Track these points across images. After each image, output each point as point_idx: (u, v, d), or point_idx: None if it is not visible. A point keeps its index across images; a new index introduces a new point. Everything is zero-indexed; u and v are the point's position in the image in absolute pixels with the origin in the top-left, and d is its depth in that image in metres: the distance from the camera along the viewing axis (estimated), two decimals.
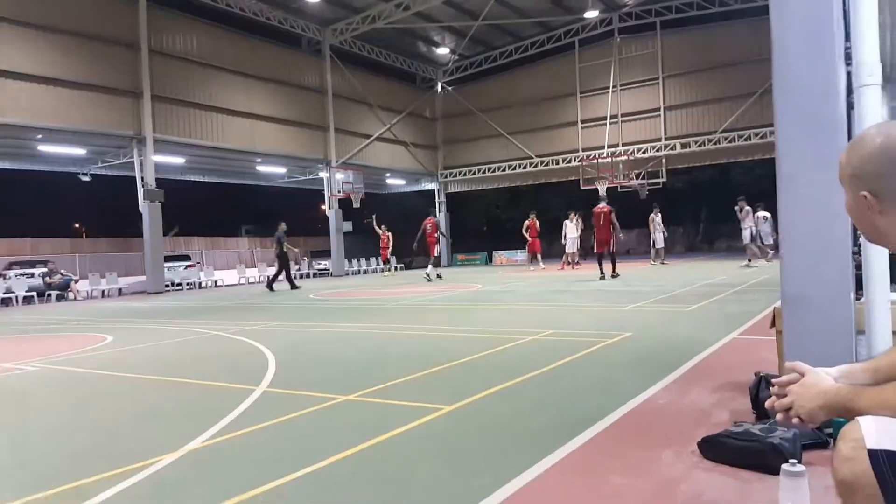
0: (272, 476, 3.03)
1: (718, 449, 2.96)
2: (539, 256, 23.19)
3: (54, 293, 20.43)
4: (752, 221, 18.76)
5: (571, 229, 22.44)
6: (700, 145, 27.33)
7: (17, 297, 19.46)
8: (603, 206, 16.59)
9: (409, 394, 4.66)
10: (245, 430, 3.91)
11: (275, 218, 49.47)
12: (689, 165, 29.00)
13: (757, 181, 30.41)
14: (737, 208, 18.96)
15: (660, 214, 22.47)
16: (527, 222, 23.06)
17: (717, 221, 20.54)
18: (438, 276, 20.38)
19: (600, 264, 16.06)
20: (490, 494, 2.67)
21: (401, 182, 36.44)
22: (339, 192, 27.55)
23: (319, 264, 31.38)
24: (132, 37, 20.92)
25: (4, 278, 21.03)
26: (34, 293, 20.15)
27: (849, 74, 3.30)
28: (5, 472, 3.42)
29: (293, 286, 19.64)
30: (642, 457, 3.06)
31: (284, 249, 19.61)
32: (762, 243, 19.05)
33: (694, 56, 27.25)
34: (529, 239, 23.10)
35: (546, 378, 4.95)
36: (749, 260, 18.56)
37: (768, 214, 18.52)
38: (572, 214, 22.72)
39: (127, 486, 3.01)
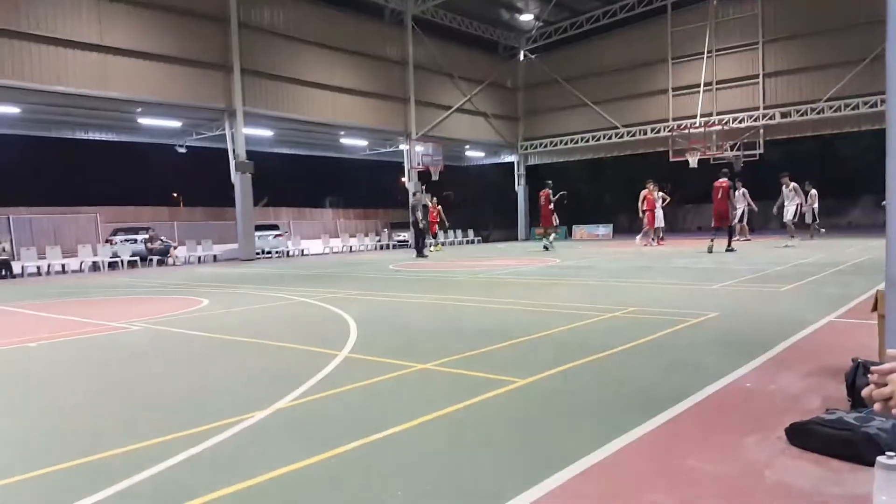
0: (352, 437, 3.14)
1: (808, 436, 2.83)
2: (652, 231, 21.75)
3: (155, 258, 21.76)
4: (801, 198, 17.96)
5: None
6: (802, 115, 25.66)
7: (122, 261, 20.88)
8: (723, 180, 16.37)
9: (483, 365, 4.69)
10: (329, 392, 4.07)
11: (358, 190, 50.39)
12: (789, 136, 27.30)
13: (863, 153, 28.36)
14: (792, 185, 17.91)
15: (741, 188, 20.73)
16: (643, 193, 21.45)
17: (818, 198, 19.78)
18: (546, 247, 21.22)
19: (729, 237, 16.46)
20: (562, 469, 2.66)
21: (480, 154, 36.32)
22: (418, 164, 27.76)
23: (399, 236, 31.89)
24: (222, 11, 21.66)
25: (111, 244, 22.56)
26: (137, 258, 21.55)
27: None
28: (117, 423, 3.72)
29: (420, 254, 20.53)
30: (724, 441, 2.97)
31: (421, 217, 20.59)
32: (814, 221, 18.46)
33: (797, 19, 25.43)
34: (646, 211, 21.37)
35: (624, 356, 4.86)
36: (792, 237, 17.75)
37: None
38: (651, 186, 21.74)
39: (222, 439, 3.21)
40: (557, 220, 22.20)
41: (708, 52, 27.54)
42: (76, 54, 18.40)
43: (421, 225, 20.83)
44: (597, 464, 2.75)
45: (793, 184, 17.88)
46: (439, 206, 24.77)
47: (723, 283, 9.54)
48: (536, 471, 2.67)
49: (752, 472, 2.60)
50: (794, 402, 3.49)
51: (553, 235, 22.17)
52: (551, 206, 21.31)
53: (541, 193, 21.63)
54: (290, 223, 35.25)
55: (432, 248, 23.68)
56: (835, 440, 2.74)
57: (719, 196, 16.25)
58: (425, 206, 20.90)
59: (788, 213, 17.90)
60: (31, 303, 10.65)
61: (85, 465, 2.94)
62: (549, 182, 22.04)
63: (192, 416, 3.65)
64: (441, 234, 29.70)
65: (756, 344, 5.00)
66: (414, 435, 3.23)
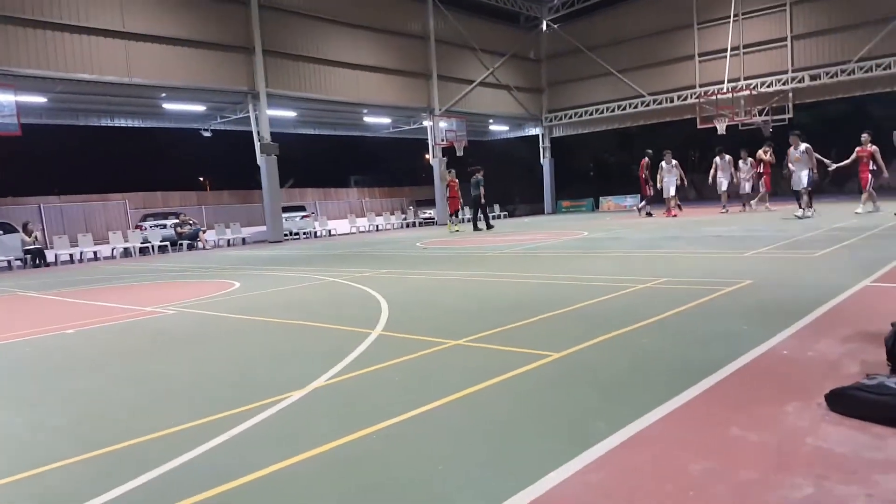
0: (389, 414, 3.19)
1: (848, 402, 2.80)
2: (767, 196, 20.91)
3: (185, 243, 22.10)
4: (814, 163, 15.85)
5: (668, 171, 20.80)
6: (832, 77, 24.99)
7: (153, 246, 21.25)
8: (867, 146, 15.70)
9: (516, 340, 4.71)
10: (363, 370, 4.12)
11: (382, 168, 50.50)
12: (819, 99, 26.63)
13: None
14: (804, 147, 15.61)
15: (727, 157, 20.79)
16: (761, 153, 20.05)
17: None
18: (648, 214, 22.01)
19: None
20: (603, 440, 2.68)
21: (504, 128, 36.05)
22: (442, 140, 27.67)
23: (424, 213, 31.95)
24: None
25: (141, 230, 22.97)
26: (168, 243, 21.90)
27: None
28: (153, 406, 3.82)
29: (477, 227, 21.21)
30: (764, 409, 2.95)
31: (481, 193, 21.05)
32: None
33: None
34: (762, 174, 20.33)
35: (659, 327, 4.84)
36: (808, 206, 15.93)
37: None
38: (667, 154, 20.86)
39: (260, 420, 3.28)
40: (651, 192, 21.76)
41: (734, 16, 26.87)
42: (99, 41, 18.61)
43: (482, 201, 21.28)
44: (637, 434, 2.75)
45: (804, 145, 15.59)
46: (457, 181, 22.95)
47: (755, 250, 9.41)
48: (576, 443, 2.69)
49: (793, 440, 2.59)
50: (832, 369, 3.45)
51: (643, 202, 22.54)
52: (645, 175, 21.32)
53: (642, 162, 21.54)
54: (316, 204, 35.44)
55: (453, 230, 21.83)
56: (876, 405, 2.71)
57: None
58: (477, 182, 21.11)
59: (802, 181, 15.61)
60: (66, 290, 10.92)
61: (123, 451, 3.02)
62: (649, 151, 21.75)
63: (229, 399, 3.73)
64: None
65: (791, 311, 4.94)
66: (450, 410, 3.26)
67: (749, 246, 10.00)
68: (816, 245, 9.49)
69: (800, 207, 15.84)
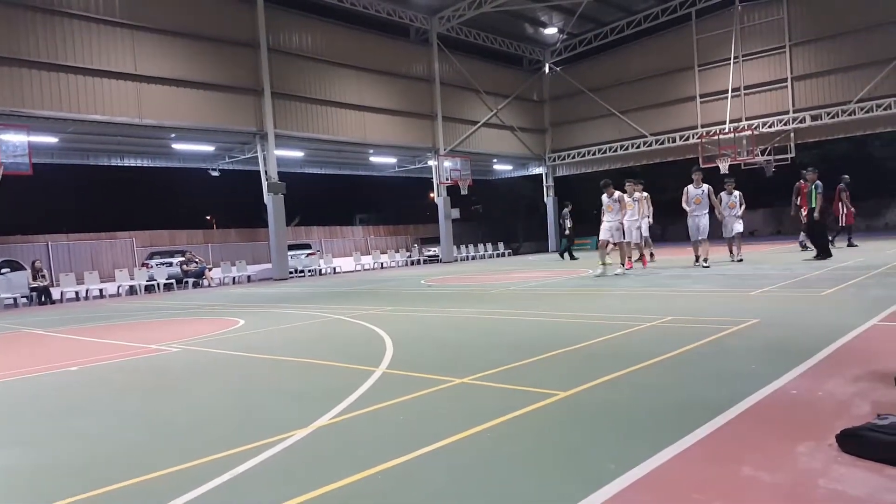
0: (394, 454, 3.15)
1: (860, 443, 2.75)
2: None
3: (191, 280, 22.13)
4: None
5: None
6: (833, 117, 25.27)
7: (158, 284, 21.27)
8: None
9: (522, 378, 4.66)
10: (368, 408, 4.08)
11: (387, 206, 50.86)
12: (821, 139, 26.88)
13: None
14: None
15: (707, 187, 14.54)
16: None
17: (854, 199, 18.76)
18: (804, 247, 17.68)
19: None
20: (613, 480, 2.63)
21: (508, 167, 36.39)
22: (446, 179, 27.91)
23: (429, 251, 32.02)
24: (252, 36, 22.19)
25: (148, 267, 23.04)
26: (173, 280, 21.92)
27: None
28: (157, 444, 3.78)
29: (569, 257, 22.36)
30: (775, 448, 2.90)
31: (566, 225, 22.13)
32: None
33: (825, 21, 25.26)
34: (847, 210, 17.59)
35: (667, 365, 4.79)
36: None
37: None
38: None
39: (264, 459, 3.24)
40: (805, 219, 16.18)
41: (734, 58, 27.35)
42: (111, 84, 18.99)
43: (567, 232, 22.30)
44: (648, 474, 2.71)
45: (639, 193, 14.83)
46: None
47: (761, 288, 9.37)
48: (584, 484, 2.64)
49: (806, 481, 2.54)
50: (843, 409, 3.41)
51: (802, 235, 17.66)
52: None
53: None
54: (321, 242, 35.60)
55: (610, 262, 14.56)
56: (889, 446, 2.66)
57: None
58: (571, 212, 22.08)
59: (632, 232, 14.81)
60: (71, 328, 10.92)
61: (127, 489, 2.98)
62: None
63: (232, 437, 3.69)
64: (481, 246, 29.74)
65: (799, 350, 4.89)
66: (456, 450, 3.22)
67: (756, 285, 9.96)
68: (824, 284, 9.45)
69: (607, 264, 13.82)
